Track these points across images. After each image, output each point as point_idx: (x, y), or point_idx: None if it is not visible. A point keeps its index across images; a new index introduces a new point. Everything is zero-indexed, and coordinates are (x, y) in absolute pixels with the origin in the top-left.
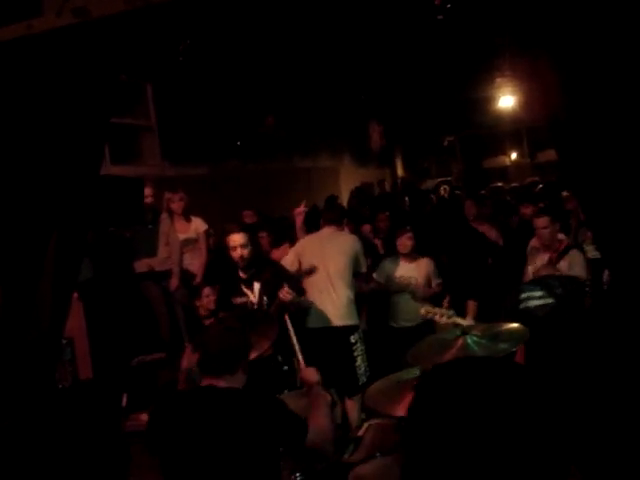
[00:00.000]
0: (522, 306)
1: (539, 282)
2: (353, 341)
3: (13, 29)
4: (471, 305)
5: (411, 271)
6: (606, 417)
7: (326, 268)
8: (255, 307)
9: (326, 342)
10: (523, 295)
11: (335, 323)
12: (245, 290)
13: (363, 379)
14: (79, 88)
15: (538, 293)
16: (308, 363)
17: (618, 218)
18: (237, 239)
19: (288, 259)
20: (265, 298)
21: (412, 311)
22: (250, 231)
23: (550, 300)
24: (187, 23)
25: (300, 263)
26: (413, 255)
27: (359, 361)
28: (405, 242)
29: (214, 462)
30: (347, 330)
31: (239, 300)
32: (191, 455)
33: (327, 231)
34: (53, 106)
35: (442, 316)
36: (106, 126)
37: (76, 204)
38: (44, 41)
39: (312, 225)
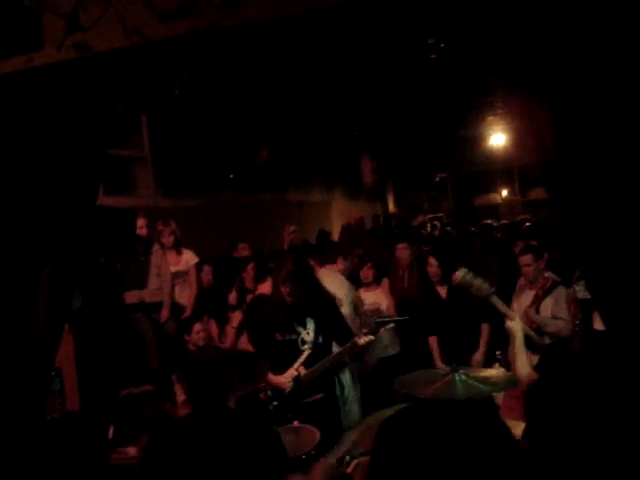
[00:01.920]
0: None
1: None
2: None
3: (13, 62)
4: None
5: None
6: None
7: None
8: (306, 347)
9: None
10: None
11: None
12: (296, 327)
13: None
14: (77, 121)
15: None
16: None
17: (608, 259)
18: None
19: None
20: (320, 337)
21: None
22: (242, 263)
23: None
24: (185, 59)
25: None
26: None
27: None
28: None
29: None
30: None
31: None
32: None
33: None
34: (51, 138)
35: (478, 290)
36: (103, 158)
37: (71, 236)
38: (44, 74)
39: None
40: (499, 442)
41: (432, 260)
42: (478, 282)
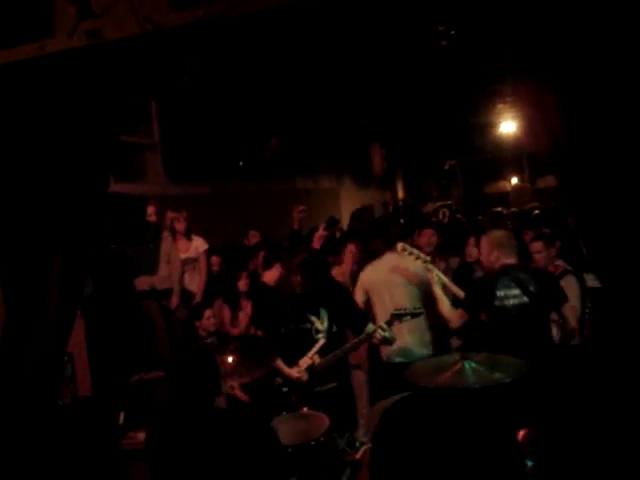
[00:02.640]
0: (498, 303)
1: (513, 279)
2: None
3: (26, 50)
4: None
5: None
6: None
7: (389, 297)
8: (320, 336)
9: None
10: (499, 293)
11: (415, 355)
12: (309, 316)
13: None
14: (89, 107)
15: (514, 292)
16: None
17: (617, 246)
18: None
19: (356, 297)
20: (334, 326)
21: None
22: (252, 251)
23: (525, 299)
24: (197, 47)
25: (369, 297)
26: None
27: None
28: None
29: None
30: None
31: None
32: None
33: (390, 257)
34: (63, 125)
35: (417, 258)
36: (114, 145)
37: (83, 223)
38: (56, 61)
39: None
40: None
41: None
42: (416, 252)
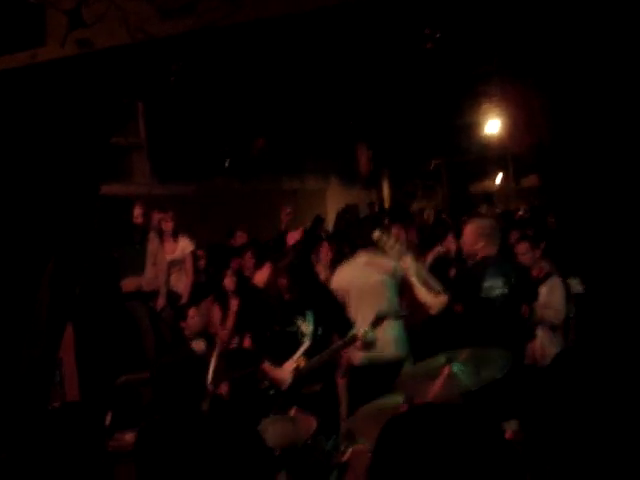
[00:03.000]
0: (484, 294)
1: (498, 269)
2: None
3: (18, 58)
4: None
5: None
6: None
7: (374, 292)
8: (306, 339)
9: (377, 376)
10: (486, 284)
11: (388, 355)
12: (295, 319)
13: None
14: (81, 113)
15: (499, 283)
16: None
17: (601, 246)
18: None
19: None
20: (320, 328)
21: None
22: (239, 252)
23: (506, 290)
24: (186, 55)
25: (347, 297)
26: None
27: None
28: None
29: None
30: (400, 362)
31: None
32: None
33: (363, 254)
34: (56, 130)
35: (392, 248)
36: (105, 149)
37: (75, 228)
38: (48, 70)
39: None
40: (492, 443)
41: None
42: (392, 241)
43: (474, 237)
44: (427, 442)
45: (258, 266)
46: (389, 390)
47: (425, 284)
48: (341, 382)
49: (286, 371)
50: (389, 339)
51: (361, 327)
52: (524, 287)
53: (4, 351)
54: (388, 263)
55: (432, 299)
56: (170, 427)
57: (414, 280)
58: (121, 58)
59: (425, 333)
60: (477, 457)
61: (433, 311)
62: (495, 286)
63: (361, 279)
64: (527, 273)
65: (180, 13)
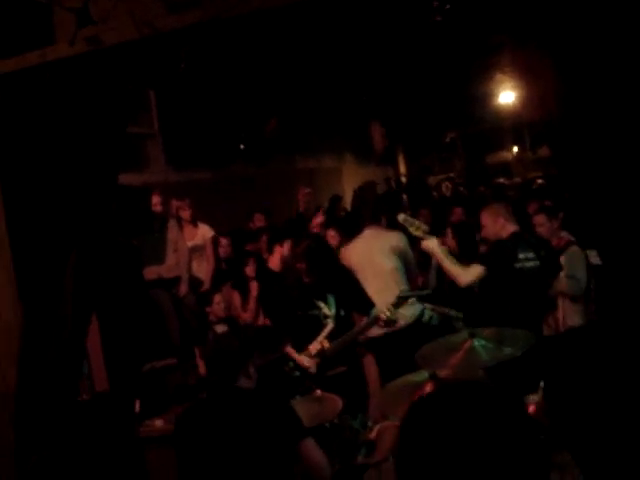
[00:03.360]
0: (518, 265)
1: (530, 244)
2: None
3: (28, 58)
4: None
5: None
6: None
7: (379, 271)
8: (329, 321)
9: (391, 349)
10: (521, 255)
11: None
12: (317, 302)
13: None
14: (93, 108)
15: (531, 255)
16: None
17: (613, 218)
18: None
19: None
20: (342, 310)
21: None
22: (255, 235)
23: (537, 262)
24: (193, 48)
25: (358, 274)
26: None
27: None
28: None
29: (234, 464)
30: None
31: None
32: (213, 457)
33: (370, 232)
34: (71, 126)
35: (417, 229)
36: (121, 140)
37: (96, 217)
38: (58, 68)
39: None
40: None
41: None
42: (417, 223)
43: (492, 219)
44: (452, 422)
45: (270, 251)
46: (411, 360)
47: (450, 257)
48: (367, 361)
49: (311, 354)
50: (410, 317)
51: (383, 308)
52: (551, 260)
53: (32, 347)
54: (397, 239)
55: (461, 270)
56: (215, 406)
57: (440, 254)
58: (130, 53)
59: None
60: (502, 437)
61: (464, 280)
62: (529, 258)
63: (369, 256)
64: (549, 246)
65: (186, 6)
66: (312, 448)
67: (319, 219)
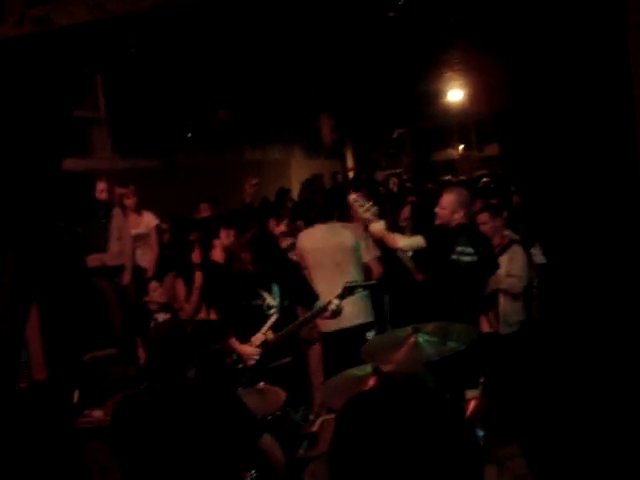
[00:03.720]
0: (454, 257)
1: (469, 238)
2: (369, 338)
3: None
4: None
5: None
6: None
7: (330, 262)
8: (273, 311)
9: (343, 344)
10: (458, 248)
11: (352, 322)
12: (261, 292)
13: None
14: (40, 89)
15: (469, 250)
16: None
17: (560, 214)
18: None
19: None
20: (286, 301)
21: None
22: (206, 225)
23: (475, 258)
24: (148, 32)
25: (306, 264)
26: None
27: None
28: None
29: (175, 458)
30: (363, 328)
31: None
32: (153, 451)
33: (325, 226)
34: (16, 107)
35: (366, 211)
36: (67, 126)
37: (37, 205)
38: (5, 48)
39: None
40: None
41: None
42: (368, 205)
43: (454, 206)
44: (385, 419)
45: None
46: (357, 357)
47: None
48: (312, 353)
49: (253, 345)
50: (356, 308)
51: (328, 298)
52: (490, 258)
53: None
54: (348, 233)
55: (401, 237)
56: (156, 395)
57: (387, 236)
58: (80, 35)
59: (393, 302)
60: (434, 435)
61: (400, 243)
62: (466, 252)
63: (320, 247)
64: (490, 244)
65: None
66: (271, 444)
67: (281, 228)
